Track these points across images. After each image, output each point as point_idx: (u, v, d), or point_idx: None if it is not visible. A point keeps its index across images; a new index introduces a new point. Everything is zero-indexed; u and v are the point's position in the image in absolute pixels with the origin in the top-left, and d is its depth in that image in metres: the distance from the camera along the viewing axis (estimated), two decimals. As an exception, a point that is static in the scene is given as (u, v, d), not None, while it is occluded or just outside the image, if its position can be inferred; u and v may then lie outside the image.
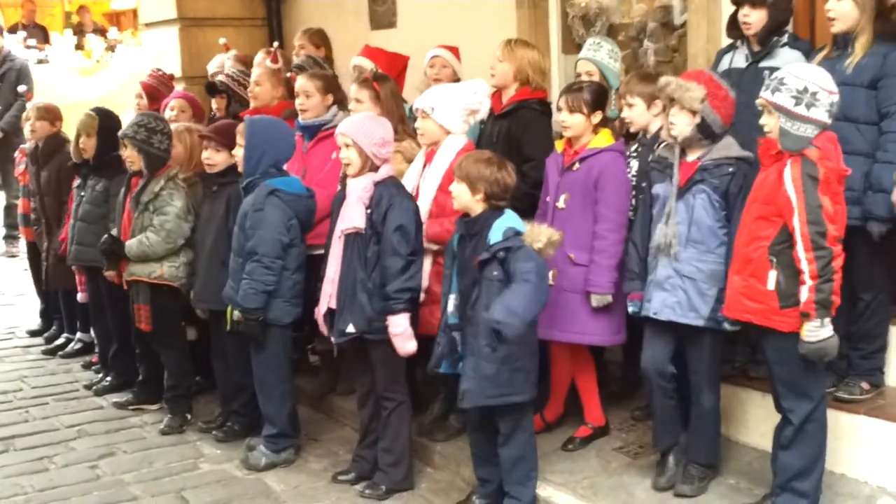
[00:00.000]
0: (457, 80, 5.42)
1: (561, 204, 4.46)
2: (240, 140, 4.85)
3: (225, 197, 5.06)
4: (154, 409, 5.76)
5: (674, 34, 5.74)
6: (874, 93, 4.08)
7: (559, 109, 4.49)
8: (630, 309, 4.26)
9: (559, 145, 4.59)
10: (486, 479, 4.25)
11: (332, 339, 4.53)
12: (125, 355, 6.01)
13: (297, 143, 5.30)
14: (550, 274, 4.34)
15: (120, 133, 5.50)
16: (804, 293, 3.55)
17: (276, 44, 6.67)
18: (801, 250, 3.55)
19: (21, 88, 8.60)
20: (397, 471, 4.54)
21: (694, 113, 3.97)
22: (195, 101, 6.61)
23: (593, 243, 4.40)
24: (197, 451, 5.20)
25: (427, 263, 4.56)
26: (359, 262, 4.37)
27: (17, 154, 7.35)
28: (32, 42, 12.96)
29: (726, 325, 3.98)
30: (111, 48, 13.35)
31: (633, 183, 4.53)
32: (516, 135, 4.86)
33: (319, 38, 6.72)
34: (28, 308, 7.99)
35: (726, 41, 4.77)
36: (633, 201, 4.51)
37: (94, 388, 6.15)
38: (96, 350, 6.56)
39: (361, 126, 4.42)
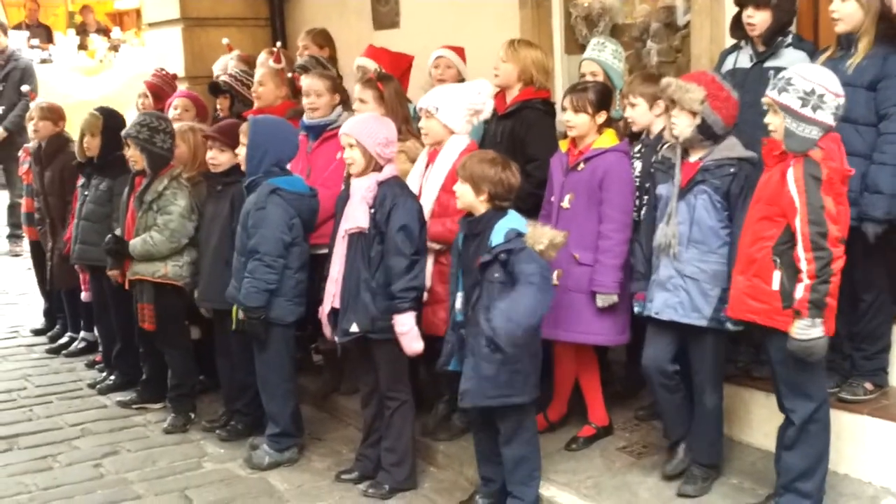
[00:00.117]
0: (461, 80, 5.42)
1: (565, 204, 4.46)
2: (243, 139, 4.87)
3: (229, 196, 5.07)
4: (157, 408, 5.76)
5: (677, 35, 5.74)
6: (874, 94, 4.08)
7: (564, 109, 4.50)
8: (636, 309, 4.27)
9: (563, 145, 4.60)
10: (489, 478, 4.25)
11: (336, 338, 4.54)
12: (129, 354, 6.02)
13: (302, 142, 5.31)
14: (555, 274, 4.36)
15: (123, 132, 5.51)
16: (799, 291, 3.56)
17: (278, 44, 6.66)
18: (800, 250, 3.55)
19: (24, 88, 8.61)
20: (401, 470, 4.55)
21: (694, 114, 3.98)
22: (199, 100, 6.62)
23: (598, 243, 4.41)
24: (200, 450, 5.21)
25: (429, 263, 4.57)
26: (362, 262, 4.37)
27: (20, 153, 7.37)
28: (36, 42, 12.97)
29: (729, 326, 3.99)
30: (114, 48, 13.37)
31: (637, 183, 4.53)
32: (520, 135, 4.87)
33: (323, 38, 6.72)
34: (32, 307, 7.99)
35: (730, 42, 4.77)
36: (637, 202, 4.52)
37: (98, 386, 6.16)
38: (100, 349, 6.56)
39: (365, 126, 4.43)
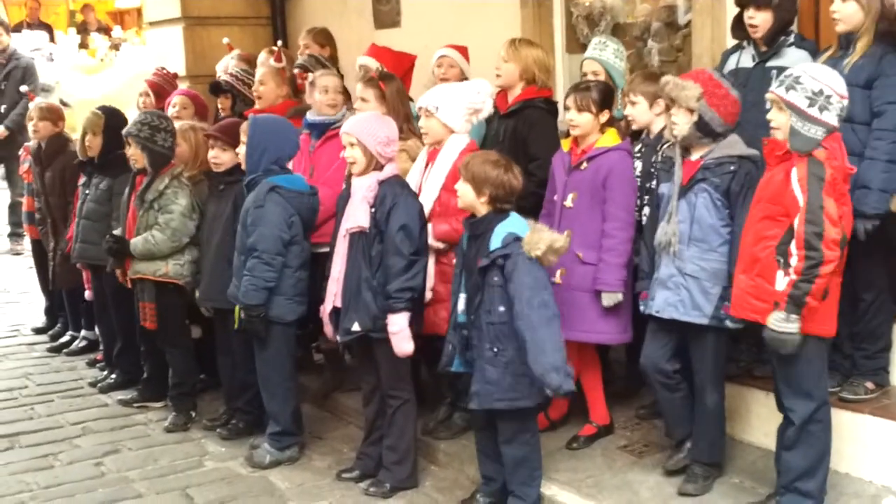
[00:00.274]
0: (465, 79, 5.42)
1: (569, 203, 4.46)
2: (243, 138, 4.87)
3: (232, 196, 5.07)
4: (159, 406, 5.76)
5: (678, 34, 5.74)
6: (869, 93, 4.09)
7: (567, 108, 4.49)
8: (641, 307, 4.27)
9: (565, 144, 4.60)
10: (490, 477, 4.25)
11: (338, 337, 4.54)
12: (130, 353, 6.02)
13: (305, 141, 5.33)
14: (558, 273, 4.37)
15: (124, 131, 5.51)
16: (782, 283, 3.58)
17: (279, 42, 6.67)
18: (793, 246, 3.56)
19: (23, 88, 8.60)
20: (402, 469, 4.55)
21: (692, 111, 3.98)
22: (198, 98, 6.62)
23: (602, 242, 4.41)
24: (201, 449, 5.21)
25: (430, 263, 4.57)
26: (363, 261, 4.38)
27: (21, 152, 7.37)
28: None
29: (728, 324, 3.99)
30: (115, 47, 13.38)
31: (637, 183, 4.54)
32: (522, 134, 4.88)
33: (324, 37, 6.72)
34: (33, 305, 8.00)
35: (731, 41, 4.78)
36: (638, 201, 4.52)
37: (99, 385, 6.16)
38: (101, 348, 6.55)
39: (366, 125, 4.43)
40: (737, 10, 4.58)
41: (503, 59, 5.00)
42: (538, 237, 3.86)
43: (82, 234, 5.96)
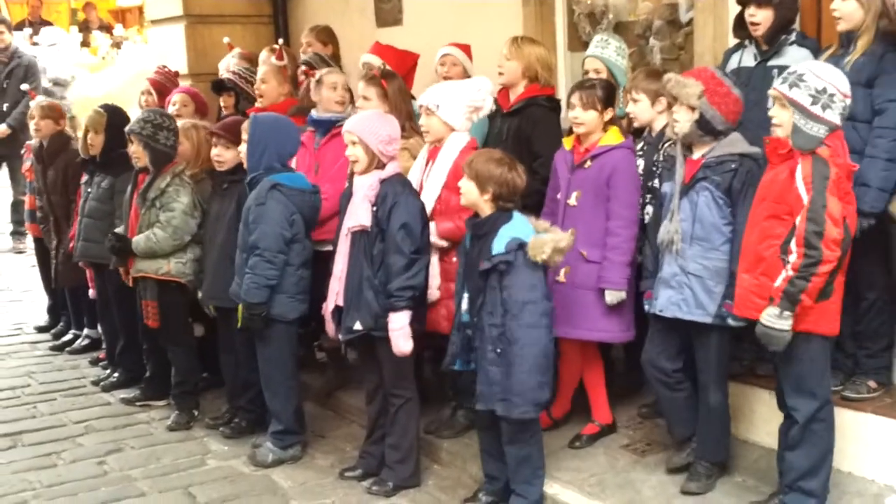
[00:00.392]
0: (468, 78, 5.42)
1: (572, 201, 4.46)
2: (244, 136, 4.87)
3: (235, 195, 5.06)
4: (161, 405, 5.77)
5: (680, 32, 5.73)
6: (870, 91, 4.08)
7: (572, 106, 4.48)
8: (645, 307, 4.27)
9: (567, 142, 4.59)
10: (493, 476, 4.26)
11: (340, 336, 4.54)
12: (132, 351, 6.02)
13: (310, 138, 5.33)
14: (562, 271, 4.38)
15: (126, 128, 5.51)
16: (778, 279, 3.58)
17: (280, 41, 6.67)
18: (793, 243, 3.57)
19: (24, 86, 8.60)
20: (404, 467, 4.55)
21: (693, 109, 3.98)
22: (198, 96, 6.62)
23: (606, 240, 4.41)
24: (204, 448, 5.21)
25: (434, 261, 4.57)
26: (365, 260, 4.38)
27: (23, 151, 7.37)
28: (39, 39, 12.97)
29: (731, 321, 3.99)
30: (117, 45, 13.39)
31: (640, 181, 4.54)
32: (526, 132, 4.88)
33: (327, 35, 6.72)
34: (35, 304, 8.01)
35: (733, 40, 4.77)
36: (640, 200, 4.52)
37: (102, 384, 6.17)
38: (104, 346, 6.56)
39: (368, 123, 4.43)
40: (739, 7, 4.57)
41: (505, 57, 5.00)
42: (542, 241, 3.86)
43: (84, 233, 5.97)
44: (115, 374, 6.19)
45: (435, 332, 4.64)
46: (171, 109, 6.28)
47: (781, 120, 3.66)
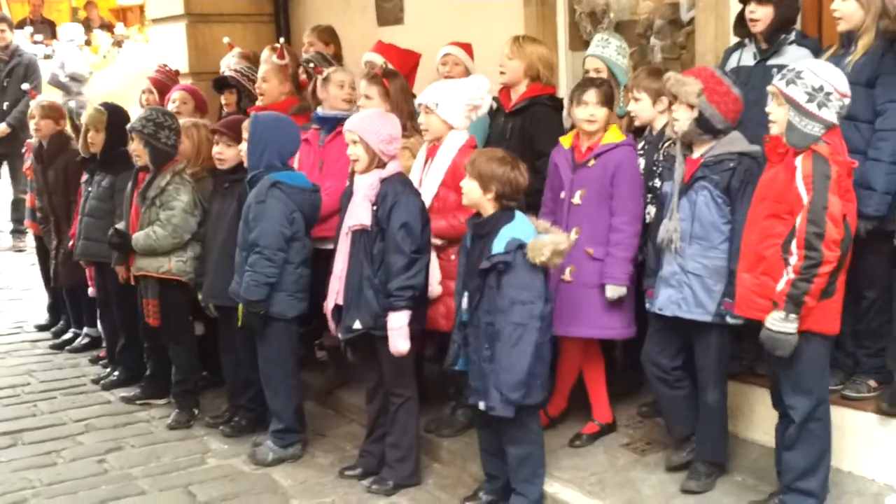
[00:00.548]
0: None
1: (577, 200, 4.46)
2: (245, 135, 4.87)
3: (236, 194, 5.06)
4: (161, 403, 5.77)
5: (681, 31, 5.72)
6: (872, 91, 4.08)
7: (584, 104, 4.44)
8: (647, 305, 4.27)
9: (566, 141, 4.59)
10: (493, 475, 4.26)
11: (340, 335, 4.54)
12: (132, 350, 6.03)
13: (314, 136, 5.33)
14: (568, 270, 4.39)
15: (128, 126, 5.52)
16: (781, 283, 3.57)
17: (281, 40, 6.67)
18: (794, 244, 3.57)
19: (25, 86, 8.61)
20: (404, 466, 4.55)
21: (692, 107, 3.98)
22: (198, 94, 6.62)
23: (610, 236, 4.42)
24: (204, 446, 5.21)
25: (433, 259, 4.57)
26: (365, 259, 4.38)
27: (24, 149, 7.37)
28: (39, 37, 12.98)
29: (729, 319, 3.99)
30: (118, 43, 13.40)
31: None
32: (529, 131, 4.89)
33: (328, 34, 6.72)
34: (35, 302, 8.01)
35: (734, 39, 4.77)
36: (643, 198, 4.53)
37: (102, 382, 6.17)
38: (104, 345, 6.57)
39: (369, 122, 4.43)
40: (740, 7, 4.56)
41: (507, 56, 5.00)
42: (541, 243, 3.86)
43: (85, 232, 5.97)
44: (116, 373, 6.19)
45: (434, 329, 4.65)
46: (170, 107, 6.28)
47: (777, 117, 3.67)
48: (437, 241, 4.58)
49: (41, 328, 7.44)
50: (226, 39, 7.31)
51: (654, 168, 4.57)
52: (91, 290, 6.32)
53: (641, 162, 4.61)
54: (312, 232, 4.89)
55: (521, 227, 3.93)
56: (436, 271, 4.56)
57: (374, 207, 4.34)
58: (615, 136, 4.48)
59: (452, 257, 4.55)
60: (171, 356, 5.62)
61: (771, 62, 4.43)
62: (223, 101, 6.64)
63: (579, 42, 6.21)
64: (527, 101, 4.95)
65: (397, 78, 5.23)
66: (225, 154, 5.12)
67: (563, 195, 4.51)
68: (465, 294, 4.08)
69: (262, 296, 4.67)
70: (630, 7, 6.02)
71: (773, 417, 4.12)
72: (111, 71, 12.15)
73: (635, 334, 4.58)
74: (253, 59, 6.77)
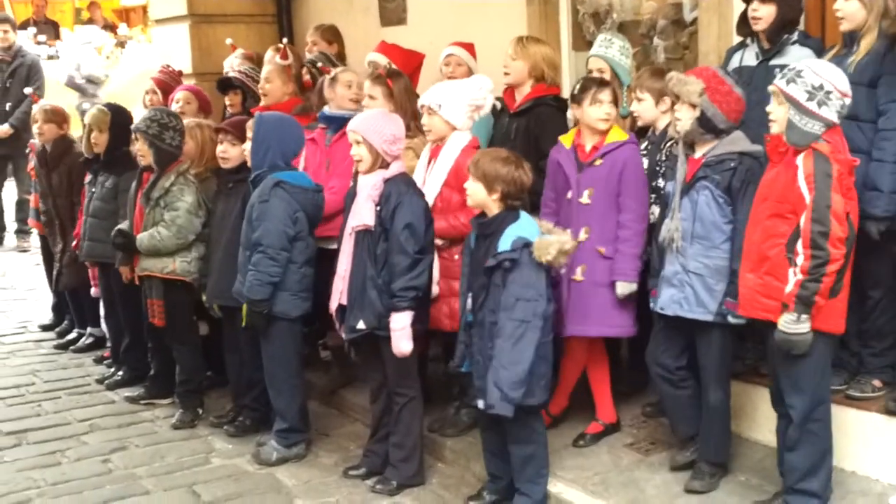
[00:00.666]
0: (472, 77, 5.43)
1: (585, 199, 4.46)
2: (249, 135, 4.88)
3: (240, 194, 5.06)
4: (166, 403, 5.78)
5: (685, 31, 5.72)
6: (875, 91, 4.08)
7: (599, 102, 4.43)
8: (651, 304, 4.28)
9: (567, 140, 4.58)
10: (497, 475, 4.26)
11: (343, 335, 4.55)
12: (137, 350, 6.04)
13: (320, 135, 5.34)
14: (579, 269, 4.40)
15: (133, 127, 5.53)
16: (790, 284, 3.57)
17: (285, 40, 6.67)
18: (800, 245, 3.57)
19: (27, 90, 8.62)
20: (408, 466, 4.56)
21: (694, 107, 3.99)
22: (201, 94, 6.63)
23: (618, 233, 4.43)
24: (208, 446, 5.22)
25: (435, 258, 4.57)
26: (369, 259, 4.38)
27: (28, 150, 7.37)
28: (43, 38, 12.98)
29: (731, 319, 3.99)
30: (121, 44, 13.39)
31: (645, 180, 4.56)
32: (535, 132, 4.89)
33: (332, 34, 6.73)
34: (40, 302, 8.01)
35: (737, 39, 4.77)
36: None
37: (106, 382, 6.17)
38: (108, 345, 6.58)
39: (372, 123, 4.44)
40: (743, 7, 4.56)
41: (511, 56, 5.00)
42: (548, 242, 3.86)
43: (89, 233, 5.98)
44: (120, 373, 6.20)
45: (437, 329, 4.65)
46: (174, 107, 6.29)
47: (777, 116, 3.67)
48: (437, 241, 4.58)
49: (45, 328, 7.44)
50: (229, 41, 7.32)
51: (658, 168, 4.58)
52: (94, 290, 6.33)
53: (645, 162, 4.61)
54: (317, 232, 4.90)
55: (526, 226, 3.94)
56: (435, 272, 4.55)
57: (378, 208, 4.35)
58: (618, 134, 4.49)
59: (456, 257, 4.55)
60: (175, 356, 5.63)
61: (773, 62, 4.42)
62: (227, 102, 6.64)
63: (582, 42, 6.20)
64: (531, 101, 4.95)
65: (401, 78, 5.23)
66: (229, 153, 5.13)
67: (569, 195, 4.50)
68: (470, 294, 4.09)
69: (266, 295, 4.68)
70: (633, 7, 6.02)
71: (776, 417, 4.13)
72: (115, 72, 12.16)
73: (637, 332, 4.59)
74: (256, 60, 6.78)
